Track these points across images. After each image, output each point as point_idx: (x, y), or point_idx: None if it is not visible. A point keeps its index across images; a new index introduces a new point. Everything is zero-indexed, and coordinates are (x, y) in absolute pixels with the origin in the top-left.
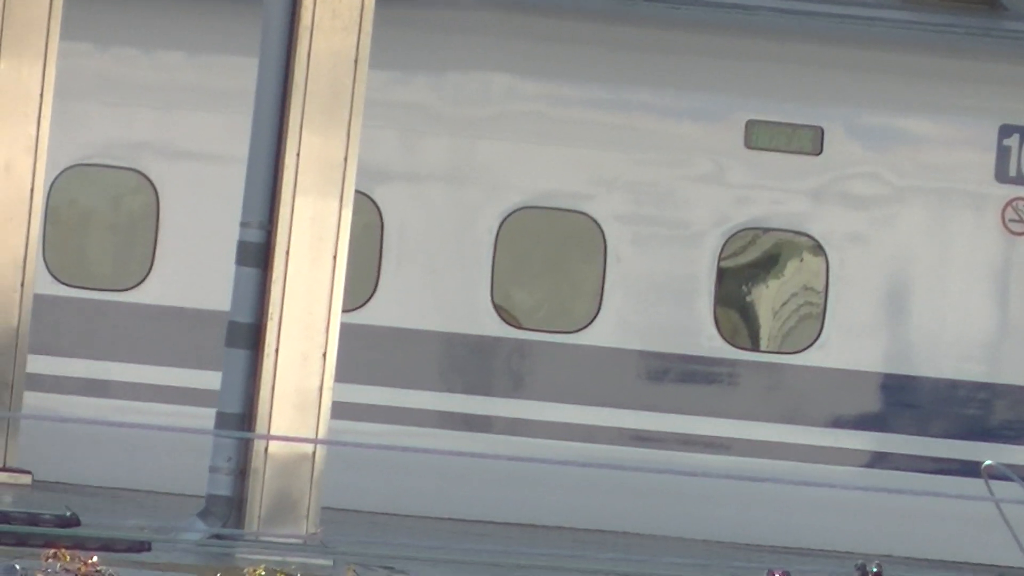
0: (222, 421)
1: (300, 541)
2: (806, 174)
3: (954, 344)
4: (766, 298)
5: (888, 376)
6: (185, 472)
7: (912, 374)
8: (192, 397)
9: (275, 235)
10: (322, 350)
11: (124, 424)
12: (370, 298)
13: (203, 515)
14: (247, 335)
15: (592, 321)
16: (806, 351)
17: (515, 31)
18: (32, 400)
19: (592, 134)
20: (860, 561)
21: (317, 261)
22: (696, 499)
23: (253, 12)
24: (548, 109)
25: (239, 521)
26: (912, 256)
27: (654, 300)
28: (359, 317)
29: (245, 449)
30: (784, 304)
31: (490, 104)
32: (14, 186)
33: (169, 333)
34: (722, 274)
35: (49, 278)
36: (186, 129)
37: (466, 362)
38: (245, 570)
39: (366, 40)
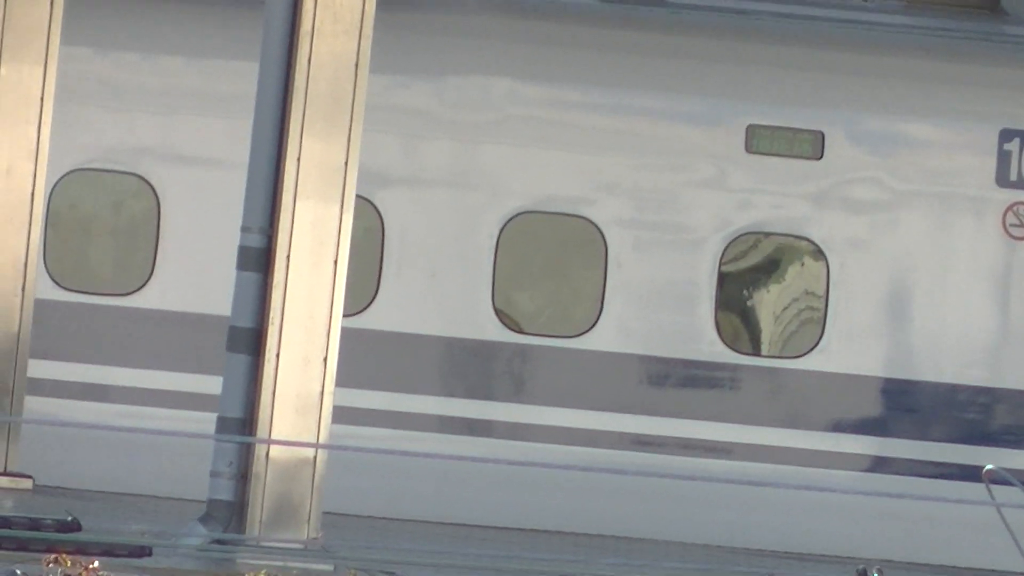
0: (223, 425)
1: (301, 546)
2: (807, 178)
3: (955, 348)
4: (767, 302)
5: (889, 380)
6: (186, 477)
7: (913, 378)
8: (193, 401)
9: (276, 240)
10: (323, 354)
11: (125, 428)
12: (371, 303)
13: (204, 520)
14: (248, 339)
15: (593, 326)
16: (807, 355)
17: (516, 35)
18: (33, 404)
19: (593, 139)
20: (861, 566)
21: (318, 266)
22: (697, 503)
23: (254, 16)
24: (549, 114)
25: (240, 526)
26: (913, 260)
27: (655, 304)
28: (360, 322)
29: (246, 454)
30: (785, 308)
31: (491, 108)
32: (15, 190)
33: (170, 338)
34: (723, 278)
35: (50, 283)
36: (187, 134)
37: (467, 367)
38: (246, 575)
39: (367, 44)
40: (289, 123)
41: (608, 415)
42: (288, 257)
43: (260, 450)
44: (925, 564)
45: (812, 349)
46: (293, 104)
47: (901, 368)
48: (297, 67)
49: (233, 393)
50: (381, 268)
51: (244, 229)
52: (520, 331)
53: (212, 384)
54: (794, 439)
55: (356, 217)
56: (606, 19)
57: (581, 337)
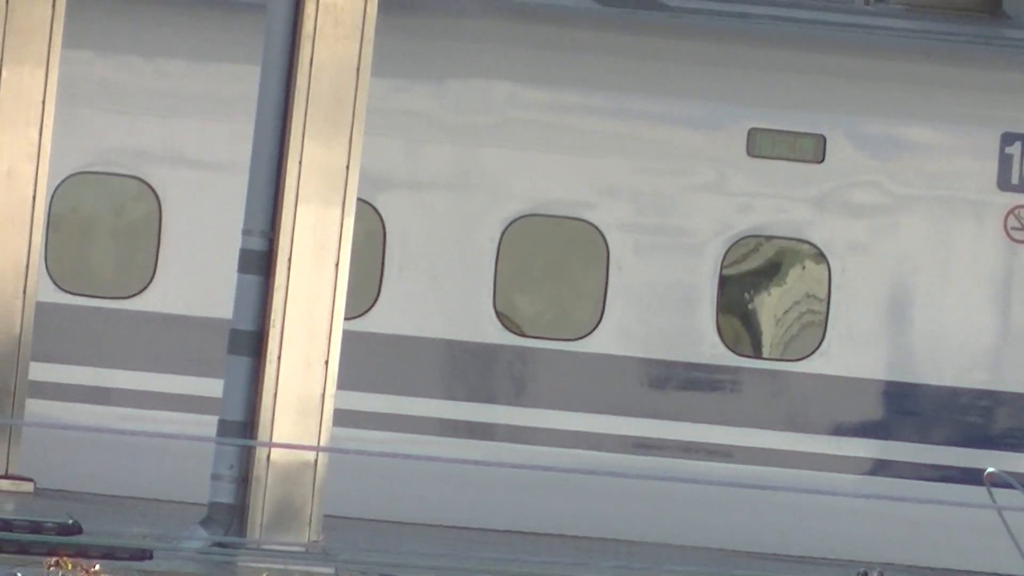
0: (224, 428)
1: (302, 549)
2: (808, 182)
3: (956, 352)
4: (768, 306)
5: (890, 384)
6: (187, 480)
7: (914, 382)
8: (194, 404)
9: (277, 243)
10: (324, 357)
11: (126, 432)
12: (372, 306)
13: (205, 523)
14: (249, 342)
15: (594, 329)
16: (808, 359)
17: (517, 39)
18: (34, 408)
19: (594, 142)
20: (862, 569)
21: (319, 269)
22: (698, 506)
23: (255, 19)
24: (550, 117)
25: (241, 529)
26: (914, 264)
27: (656, 308)
28: (361, 325)
29: (247, 457)
30: (786, 312)
31: (492, 112)
32: (16, 192)
33: (171, 341)
34: (724, 282)
35: (51, 286)
36: (188, 137)
37: (468, 370)
38: None
39: (368, 48)
40: (290, 126)
41: (610, 418)
42: (289, 260)
43: (261, 453)
44: (927, 567)
45: (813, 352)
46: (294, 107)
47: (902, 371)
48: (299, 70)
49: (234, 396)
50: (382, 271)
51: (245, 232)
52: (521, 334)
53: (213, 387)
54: (795, 442)
55: (357, 220)
56: (607, 23)
57: (582, 340)
